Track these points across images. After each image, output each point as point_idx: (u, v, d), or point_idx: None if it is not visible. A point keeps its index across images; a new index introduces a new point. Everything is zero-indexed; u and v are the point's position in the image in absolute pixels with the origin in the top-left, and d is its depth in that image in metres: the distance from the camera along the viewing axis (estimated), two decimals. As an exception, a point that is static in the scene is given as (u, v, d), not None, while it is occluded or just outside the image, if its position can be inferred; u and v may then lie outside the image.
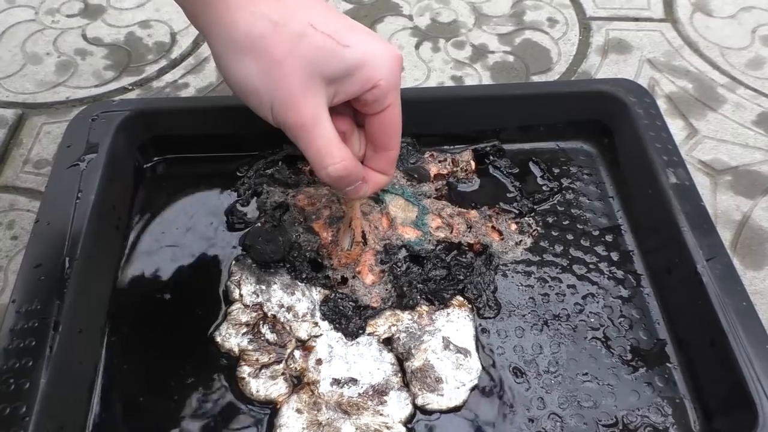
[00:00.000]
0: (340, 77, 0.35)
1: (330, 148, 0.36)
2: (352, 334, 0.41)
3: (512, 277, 0.45)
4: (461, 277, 0.44)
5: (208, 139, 0.49)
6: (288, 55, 0.34)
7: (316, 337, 0.41)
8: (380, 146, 0.39)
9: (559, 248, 0.47)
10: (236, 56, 0.35)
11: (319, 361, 0.40)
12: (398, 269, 0.44)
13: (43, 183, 0.51)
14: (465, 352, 0.40)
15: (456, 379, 0.39)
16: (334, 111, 0.37)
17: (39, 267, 0.39)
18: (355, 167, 0.38)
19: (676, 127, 0.57)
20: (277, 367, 0.40)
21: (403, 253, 0.45)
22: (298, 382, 0.39)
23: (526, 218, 0.48)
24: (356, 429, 0.37)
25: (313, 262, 0.44)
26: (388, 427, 0.37)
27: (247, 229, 0.46)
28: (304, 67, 0.34)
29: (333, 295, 0.43)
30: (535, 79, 0.62)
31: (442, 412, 0.39)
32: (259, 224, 0.46)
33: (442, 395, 0.39)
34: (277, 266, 0.44)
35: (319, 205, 0.47)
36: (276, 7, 0.34)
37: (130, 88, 0.60)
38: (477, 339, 0.42)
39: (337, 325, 0.42)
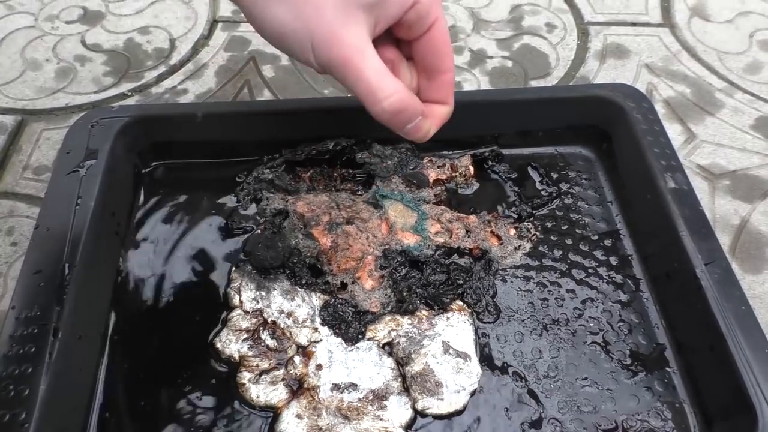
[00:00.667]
0: (377, 1, 0.32)
1: (381, 81, 0.33)
2: (351, 339, 0.41)
3: (511, 281, 0.45)
4: (460, 282, 0.44)
5: (207, 144, 0.50)
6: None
7: (316, 342, 0.41)
8: (434, 70, 0.37)
9: (558, 253, 0.47)
10: (267, 2, 0.33)
11: (319, 367, 0.40)
12: (398, 274, 0.44)
13: (42, 189, 0.51)
14: (465, 357, 0.41)
15: (456, 383, 0.39)
16: (377, 42, 0.35)
17: (39, 273, 0.39)
18: (412, 99, 0.35)
19: (674, 132, 0.57)
20: (277, 372, 0.40)
21: (403, 258, 0.45)
22: (299, 388, 0.39)
23: (525, 223, 0.48)
24: (356, 434, 0.37)
25: (312, 268, 0.44)
26: (388, 433, 0.38)
27: (246, 235, 0.46)
28: (341, 4, 0.32)
29: (333, 300, 0.43)
30: (534, 84, 0.62)
31: (442, 416, 0.39)
32: (258, 231, 0.46)
33: (442, 399, 0.39)
34: (276, 272, 0.44)
35: (318, 212, 0.47)
36: None
37: (130, 94, 0.60)
38: (477, 343, 0.42)
39: (337, 331, 0.42)
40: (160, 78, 0.61)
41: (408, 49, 0.37)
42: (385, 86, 0.33)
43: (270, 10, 0.33)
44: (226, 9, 0.68)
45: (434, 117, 0.38)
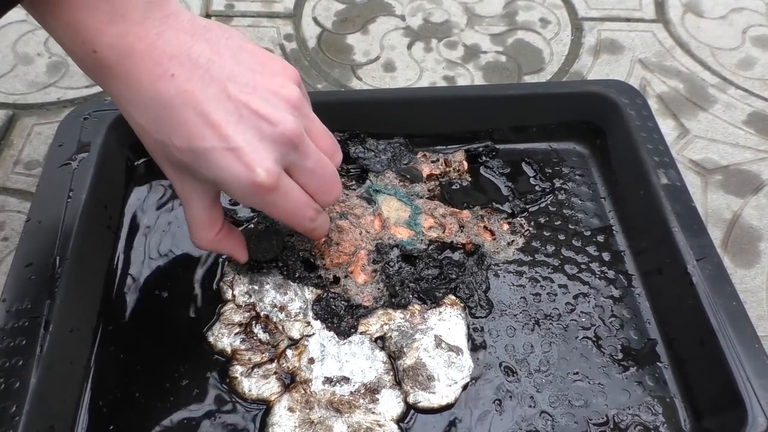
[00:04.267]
0: (207, 181, 0.35)
1: (192, 228, 0.39)
2: (344, 333, 0.41)
3: (504, 276, 0.45)
4: (453, 277, 0.44)
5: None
6: (154, 150, 0.36)
7: (309, 336, 0.41)
8: None
9: (550, 248, 0.47)
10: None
11: (311, 360, 0.40)
12: (390, 269, 0.44)
13: (33, 184, 0.51)
14: (457, 351, 0.41)
15: (448, 377, 0.40)
16: None
17: (30, 266, 0.39)
18: (215, 249, 0.41)
19: (667, 127, 0.58)
20: (269, 366, 0.40)
21: (396, 252, 0.45)
22: (291, 381, 0.39)
23: (518, 218, 0.48)
24: (348, 427, 0.37)
25: (305, 262, 0.44)
26: (380, 425, 0.38)
27: (239, 229, 0.46)
28: (170, 165, 0.36)
29: (325, 294, 0.43)
30: (528, 79, 0.62)
31: (434, 410, 0.39)
32: (252, 225, 0.46)
33: (434, 393, 0.39)
34: (269, 266, 0.44)
35: None
36: (141, 112, 0.34)
37: (123, 87, 0.59)
38: (469, 337, 0.42)
39: (330, 325, 0.42)
40: (153, 72, 0.61)
41: None
42: (194, 234, 0.39)
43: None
44: (219, 3, 0.68)
45: None
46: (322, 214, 0.39)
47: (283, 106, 0.34)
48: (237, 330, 0.41)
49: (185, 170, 0.35)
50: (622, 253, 0.47)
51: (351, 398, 0.39)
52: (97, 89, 0.59)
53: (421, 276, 0.44)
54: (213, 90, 0.33)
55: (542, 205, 0.49)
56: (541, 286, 0.45)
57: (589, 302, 0.44)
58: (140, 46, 0.32)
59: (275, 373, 0.40)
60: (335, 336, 0.41)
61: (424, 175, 0.50)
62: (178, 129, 0.33)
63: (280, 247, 0.44)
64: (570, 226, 0.48)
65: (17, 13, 0.65)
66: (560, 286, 0.45)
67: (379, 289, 0.43)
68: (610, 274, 0.46)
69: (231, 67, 0.34)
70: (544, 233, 0.48)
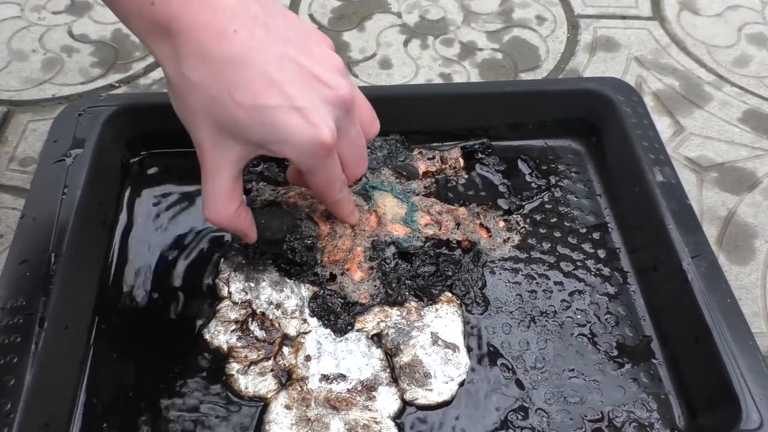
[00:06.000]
0: (255, 144, 0.35)
1: (214, 200, 0.37)
2: (340, 330, 0.41)
3: (500, 273, 0.45)
4: (449, 274, 0.44)
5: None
6: (202, 110, 0.34)
7: (305, 333, 0.41)
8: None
9: (546, 245, 0.47)
10: (168, 87, 0.36)
11: (307, 358, 0.40)
12: (387, 266, 0.44)
13: (28, 181, 0.50)
14: (453, 348, 0.41)
15: (444, 374, 0.40)
16: None
17: (24, 263, 0.39)
18: (230, 225, 0.39)
19: (662, 125, 0.58)
20: (265, 363, 0.40)
21: (392, 249, 0.45)
22: (287, 379, 0.39)
23: (514, 215, 0.48)
24: (345, 424, 0.37)
25: (309, 249, 0.44)
26: (376, 422, 0.38)
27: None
28: (215, 125, 0.34)
29: (322, 291, 0.43)
30: (524, 76, 0.62)
31: (430, 406, 0.39)
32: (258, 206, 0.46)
33: (430, 390, 0.39)
34: (266, 263, 0.44)
35: (312, 200, 0.46)
36: (198, 66, 0.33)
37: (117, 85, 0.59)
38: (465, 335, 0.42)
39: (326, 322, 0.42)
40: (148, 69, 0.61)
41: None
42: (213, 205, 0.37)
43: (168, 92, 0.36)
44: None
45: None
46: (347, 188, 0.40)
47: (336, 71, 0.35)
48: (233, 327, 0.41)
49: (230, 132, 0.34)
50: (618, 251, 0.47)
51: (348, 395, 0.39)
52: (93, 86, 0.59)
53: (418, 273, 0.44)
54: (274, 50, 0.33)
55: (538, 202, 0.50)
56: (537, 283, 0.45)
57: (584, 299, 0.44)
58: None
59: (272, 370, 0.39)
60: (332, 333, 0.41)
61: (420, 172, 0.50)
62: (241, 86, 0.33)
63: (290, 229, 0.44)
64: (566, 224, 0.48)
65: (12, 8, 0.65)
66: (556, 283, 0.45)
67: (375, 286, 0.43)
68: (606, 271, 0.46)
69: (285, 30, 0.34)
70: (540, 230, 0.48)
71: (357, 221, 0.45)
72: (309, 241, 0.44)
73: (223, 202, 0.37)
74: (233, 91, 0.33)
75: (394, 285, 0.43)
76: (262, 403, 0.38)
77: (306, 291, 0.43)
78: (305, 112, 0.34)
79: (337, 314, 0.42)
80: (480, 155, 0.52)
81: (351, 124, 0.37)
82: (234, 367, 0.39)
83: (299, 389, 0.39)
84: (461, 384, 0.40)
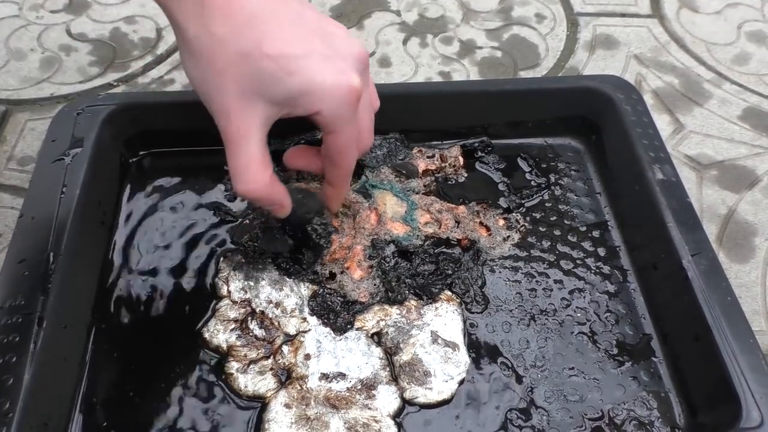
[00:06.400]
0: (282, 101, 0.34)
1: (247, 169, 0.36)
2: (340, 329, 0.41)
3: (500, 272, 0.45)
4: (449, 272, 0.44)
5: (195, 133, 0.49)
6: (229, 68, 0.33)
7: (305, 332, 0.41)
8: (328, 160, 0.39)
9: (546, 244, 0.47)
10: (186, 56, 0.35)
11: (307, 356, 0.40)
12: (386, 264, 0.44)
13: (27, 180, 0.50)
14: (453, 346, 0.41)
15: (444, 372, 0.40)
16: None
17: (23, 262, 0.39)
18: (268, 194, 0.37)
19: (662, 122, 0.58)
20: (265, 362, 0.40)
21: (392, 248, 0.45)
22: (287, 378, 0.39)
23: (514, 214, 0.48)
24: (345, 423, 0.37)
25: (328, 235, 0.44)
26: (376, 421, 0.38)
27: (234, 225, 0.46)
28: (243, 84, 0.34)
29: (321, 290, 0.43)
30: (523, 74, 0.62)
31: (430, 405, 0.39)
32: (247, 221, 0.46)
33: (430, 389, 0.39)
34: (265, 262, 0.44)
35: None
36: (223, 22, 0.33)
37: (116, 84, 0.59)
38: (465, 333, 0.42)
39: (326, 320, 0.42)
40: (147, 68, 0.61)
41: None
42: (247, 176, 0.36)
43: (188, 62, 0.35)
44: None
45: (324, 192, 0.42)
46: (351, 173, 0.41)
47: (349, 36, 0.36)
48: (233, 326, 0.41)
49: (257, 89, 0.34)
50: (618, 249, 0.47)
51: (347, 394, 0.39)
52: (91, 85, 0.59)
53: (417, 272, 0.44)
54: (294, 8, 0.34)
55: (538, 200, 0.49)
56: (537, 281, 0.45)
57: (584, 297, 0.44)
58: None
59: (271, 369, 0.39)
60: (331, 332, 0.41)
61: (420, 171, 0.50)
62: (268, 37, 0.33)
63: (320, 211, 0.44)
64: (565, 222, 0.48)
65: (10, 7, 0.65)
66: (556, 281, 0.45)
67: (375, 284, 0.43)
68: (606, 269, 0.46)
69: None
70: (540, 229, 0.48)
71: (335, 212, 0.45)
72: (331, 229, 0.44)
73: (256, 170, 0.36)
74: (260, 43, 0.33)
75: (393, 283, 0.43)
76: (261, 402, 0.38)
77: (305, 290, 0.43)
78: (333, 60, 0.34)
79: (336, 313, 0.42)
80: (480, 153, 0.52)
81: (367, 84, 0.37)
82: (233, 365, 0.39)
83: (299, 388, 0.39)
84: (461, 382, 0.40)
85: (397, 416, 0.38)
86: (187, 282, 0.44)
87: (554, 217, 0.48)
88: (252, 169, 0.36)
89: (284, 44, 0.33)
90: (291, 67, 0.33)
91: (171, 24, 0.36)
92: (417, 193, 0.48)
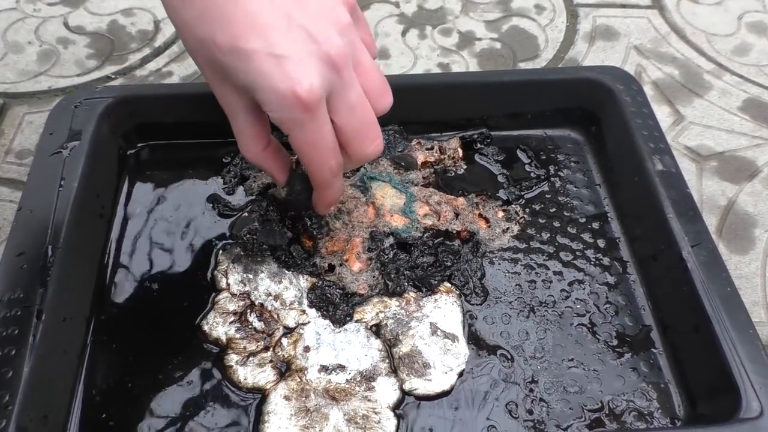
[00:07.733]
0: (245, 90, 0.34)
1: (240, 136, 0.38)
2: (339, 321, 0.41)
3: (499, 264, 0.45)
4: (448, 264, 0.44)
5: (193, 125, 0.49)
6: (197, 53, 0.35)
7: (304, 324, 0.41)
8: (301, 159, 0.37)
9: (545, 235, 0.47)
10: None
11: (306, 349, 0.40)
12: (385, 256, 0.44)
13: (25, 173, 0.50)
14: (452, 338, 0.41)
15: (444, 364, 0.40)
16: None
17: (21, 255, 0.39)
18: (258, 163, 0.39)
19: (662, 114, 0.57)
20: (264, 354, 0.40)
21: (391, 240, 0.45)
22: (286, 370, 0.39)
23: (513, 205, 0.48)
24: (344, 415, 0.37)
25: (325, 225, 0.44)
26: (376, 413, 0.38)
27: (233, 217, 0.46)
28: (213, 68, 0.34)
29: (320, 282, 0.43)
30: (523, 66, 0.62)
31: (430, 397, 0.39)
32: (246, 213, 0.46)
33: (429, 380, 0.39)
34: (264, 254, 0.44)
35: None
36: (189, 5, 0.33)
37: (113, 77, 0.59)
38: (464, 325, 0.42)
39: (325, 313, 0.42)
40: (145, 60, 0.60)
41: None
42: (241, 144, 0.38)
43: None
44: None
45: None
46: (340, 177, 0.38)
47: (332, 27, 0.33)
48: (232, 319, 0.41)
49: (222, 75, 0.34)
50: (617, 240, 0.47)
51: (347, 386, 0.39)
52: (89, 77, 0.59)
53: (416, 263, 0.44)
54: None
55: (537, 192, 0.49)
56: (536, 273, 0.45)
57: (584, 289, 0.44)
58: None
59: (270, 361, 0.39)
60: (330, 324, 0.41)
61: (419, 163, 0.50)
62: (223, 26, 0.32)
63: None
64: (565, 213, 0.48)
65: (7, 0, 0.65)
66: (555, 273, 0.45)
67: (374, 276, 0.43)
68: (605, 260, 0.46)
69: None
70: (539, 220, 0.48)
71: (324, 213, 0.44)
72: (323, 221, 0.44)
73: (246, 142, 0.38)
74: (214, 31, 0.32)
75: (392, 275, 0.43)
76: (260, 395, 0.38)
77: (304, 282, 0.43)
78: (283, 60, 0.32)
79: (335, 305, 0.42)
80: (479, 145, 0.51)
81: (347, 88, 0.34)
82: (233, 358, 0.39)
83: (298, 380, 0.39)
84: (460, 374, 0.40)
85: (396, 408, 0.38)
86: (186, 274, 0.44)
87: (554, 209, 0.48)
88: (242, 140, 0.38)
89: (235, 36, 0.32)
90: (238, 63, 0.32)
91: None
92: (416, 185, 0.48)
